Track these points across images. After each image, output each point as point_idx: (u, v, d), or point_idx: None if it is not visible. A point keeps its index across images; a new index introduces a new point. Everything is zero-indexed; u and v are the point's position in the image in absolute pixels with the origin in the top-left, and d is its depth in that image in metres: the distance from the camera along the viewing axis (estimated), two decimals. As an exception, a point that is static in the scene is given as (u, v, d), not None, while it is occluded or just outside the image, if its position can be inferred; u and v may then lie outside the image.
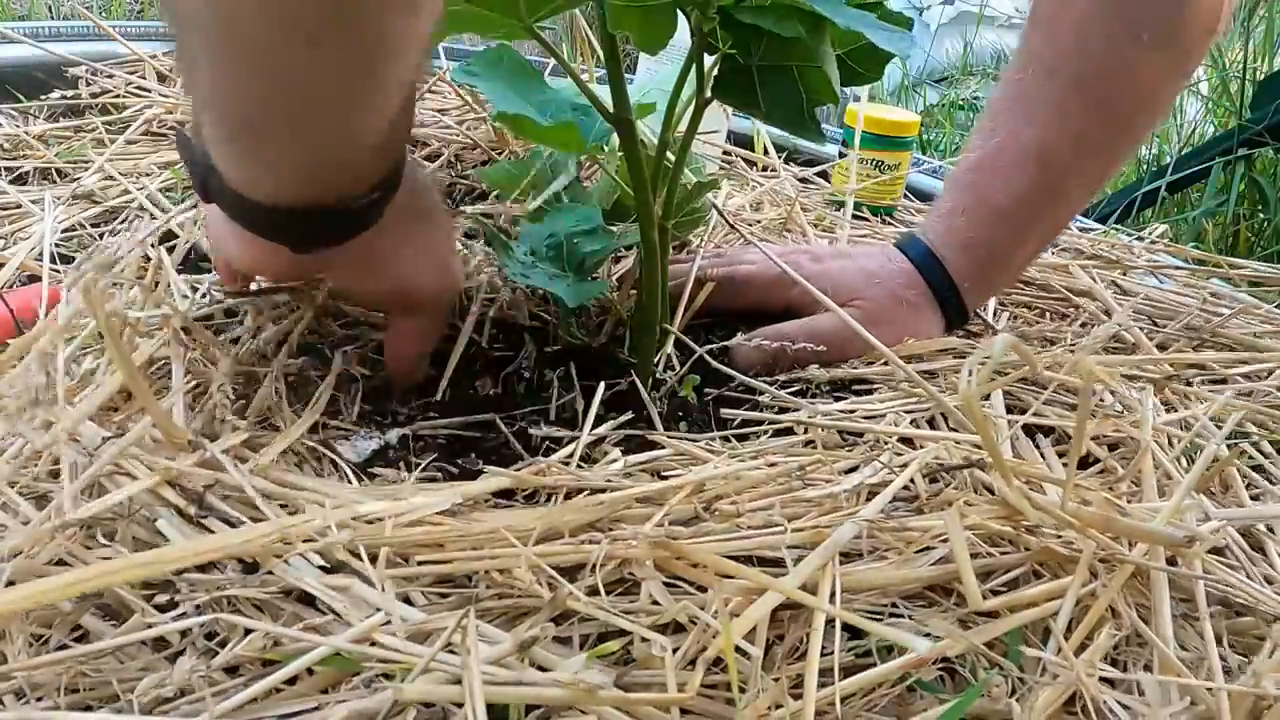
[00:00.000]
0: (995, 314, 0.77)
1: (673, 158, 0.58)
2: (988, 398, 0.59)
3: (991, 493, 0.49)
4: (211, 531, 0.41)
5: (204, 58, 0.40)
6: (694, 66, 0.54)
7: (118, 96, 0.93)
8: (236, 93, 0.41)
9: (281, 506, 0.43)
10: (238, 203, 0.47)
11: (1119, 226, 1.16)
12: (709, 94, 0.55)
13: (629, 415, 0.56)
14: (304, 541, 0.39)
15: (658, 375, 0.61)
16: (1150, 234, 1.01)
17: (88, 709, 0.35)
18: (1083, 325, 0.76)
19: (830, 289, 0.63)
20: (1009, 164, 0.66)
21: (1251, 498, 0.55)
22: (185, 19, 0.39)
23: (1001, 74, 0.70)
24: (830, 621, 0.39)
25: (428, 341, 0.57)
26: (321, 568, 0.40)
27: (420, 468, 0.50)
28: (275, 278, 0.58)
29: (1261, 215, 1.45)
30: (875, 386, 0.62)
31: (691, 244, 0.77)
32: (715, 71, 0.55)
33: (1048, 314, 0.79)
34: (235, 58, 0.39)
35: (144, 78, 0.97)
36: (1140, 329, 0.74)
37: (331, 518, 0.40)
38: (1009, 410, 0.60)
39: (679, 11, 0.52)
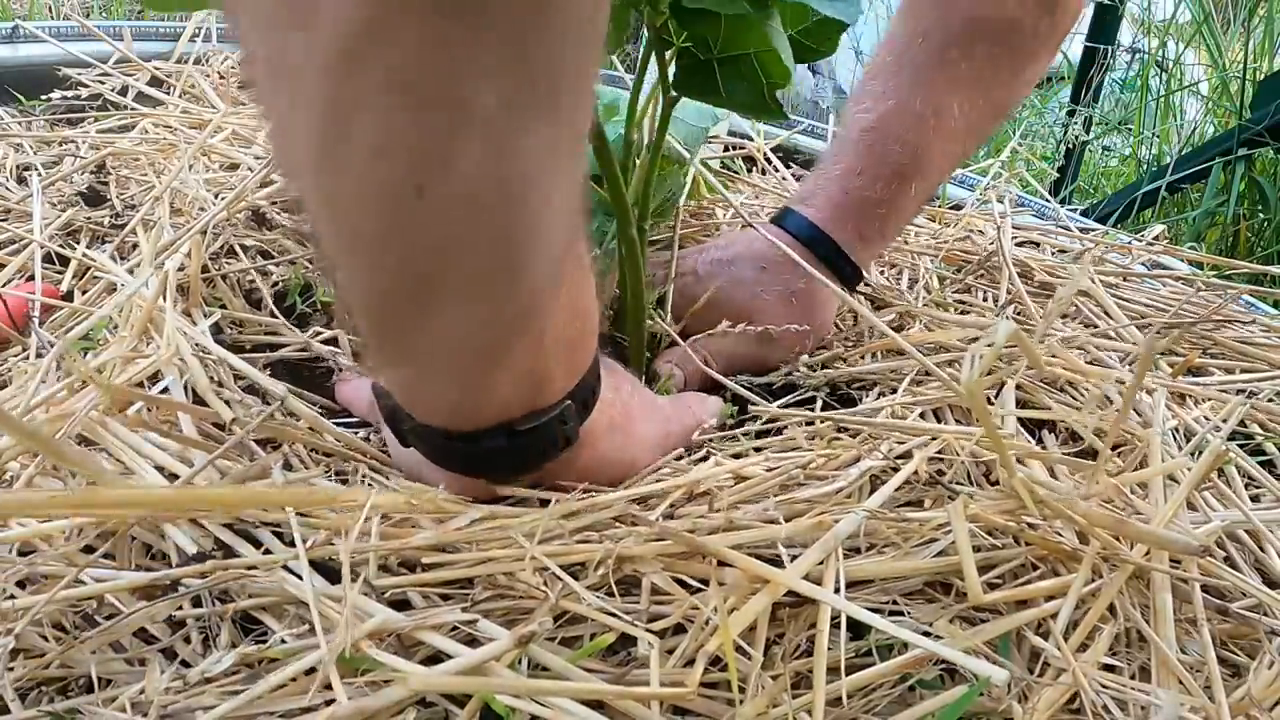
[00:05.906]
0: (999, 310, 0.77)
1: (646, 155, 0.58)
2: (997, 395, 0.59)
3: (988, 480, 0.49)
4: (220, 540, 0.41)
5: (323, 240, 0.33)
6: (653, 63, 0.54)
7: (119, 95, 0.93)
8: (365, 282, 0.34)
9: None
10: (424, 435, 0.42)
11: (1118, 227, 1.16)
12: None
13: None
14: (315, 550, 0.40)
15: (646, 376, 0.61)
16: (1147, 235, 1.01)
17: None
18: (1084, 325, 0.76)
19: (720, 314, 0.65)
20: (909, 125, 0.66)
21: (1251, 498, 0.55)
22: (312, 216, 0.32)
23: (885, 38, 0.70)
24: (834, 622, 0.39)
25: None
26: (320, 567, 0.40)
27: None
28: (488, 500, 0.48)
29: (1261, 215, 1.45)
30: (874, 387, 0.62)
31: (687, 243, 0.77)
32: (673, 66, 0.55)
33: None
34: (348, 220, 0.32)
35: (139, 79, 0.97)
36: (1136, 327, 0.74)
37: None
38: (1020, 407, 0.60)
39: (633, 10, 0.52)
